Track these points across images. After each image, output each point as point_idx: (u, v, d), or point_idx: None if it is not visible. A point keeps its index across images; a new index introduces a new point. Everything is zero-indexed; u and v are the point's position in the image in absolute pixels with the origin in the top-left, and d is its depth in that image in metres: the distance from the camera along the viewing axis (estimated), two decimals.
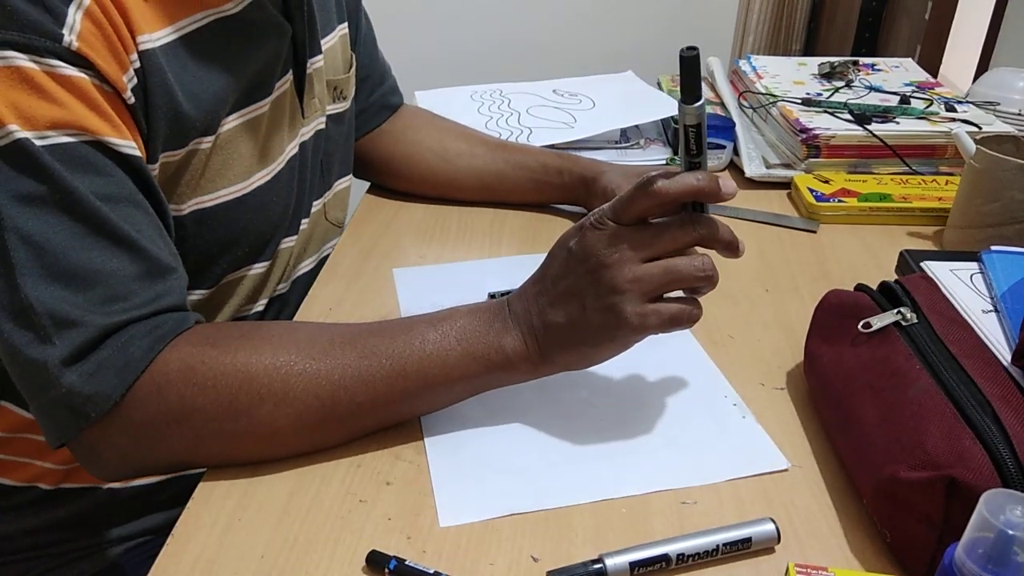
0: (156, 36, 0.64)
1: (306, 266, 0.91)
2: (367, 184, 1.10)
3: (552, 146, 1.16)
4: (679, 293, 0.63)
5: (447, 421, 0.67)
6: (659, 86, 1.39)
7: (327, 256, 0.94)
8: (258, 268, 0.80)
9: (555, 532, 0.57)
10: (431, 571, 0.53)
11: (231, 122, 0.72)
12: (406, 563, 0.53)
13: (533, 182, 1.00)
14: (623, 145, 1.20)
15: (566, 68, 1.61)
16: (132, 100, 0.62)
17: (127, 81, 0.62)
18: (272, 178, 0.77)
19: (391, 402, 0.63)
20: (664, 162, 1.15)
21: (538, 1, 2.52)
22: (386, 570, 0.53)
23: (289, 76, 0.79)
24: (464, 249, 0.95)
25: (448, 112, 1.14)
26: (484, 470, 0.63)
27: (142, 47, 0.63)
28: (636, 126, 1.24)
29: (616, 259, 0.60)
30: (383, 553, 0.54)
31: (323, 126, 0.86)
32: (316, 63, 0.83)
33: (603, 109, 1.27)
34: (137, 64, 0.63)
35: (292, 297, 0.89)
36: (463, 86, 1.37)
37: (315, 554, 0.55)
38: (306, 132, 0.83)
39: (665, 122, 1.25)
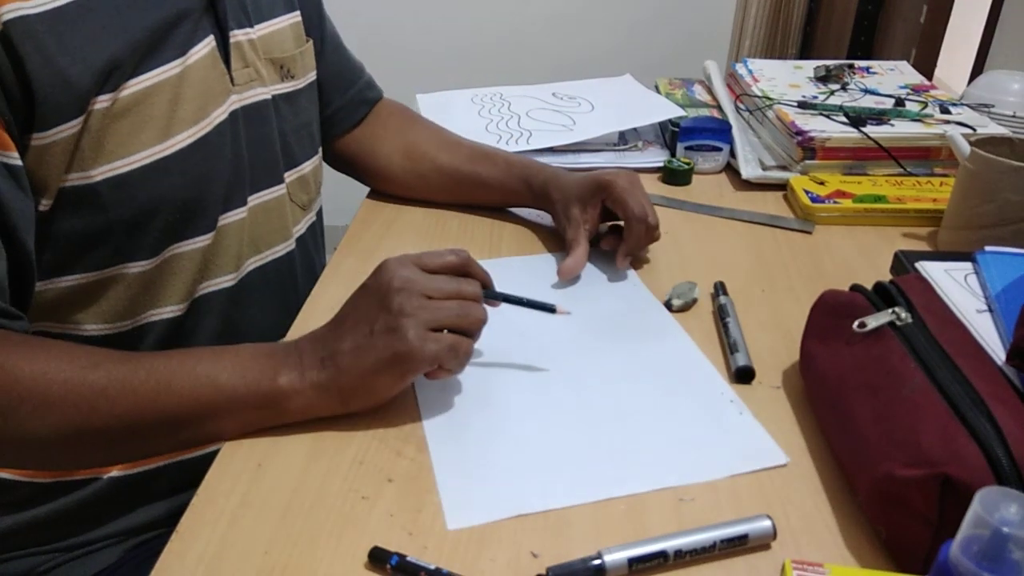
0: (35, 3, 0.65)
1: (280, 250, 0.91)
2: (366, 187, 1.11)
3: (551, 148, 1.17)
4: None
5: (447, 420, 0.68)
6: (657, 89, 1.39)
7: (300, 236, 0.94)
8: (201, 242, 0.79)
9: (555, 528, 0.58)
10: (432, 567, 0.54)
11: (136, 84, 0.71)
12: (408, 559, 0.54)
13: (496, 196, 1.02)
14: (621, 147, 1.21)
15: (565, 71, 1.61)
16: None
17: None
18: (196, 141, 0.76)
19: (154, 420, 0.63)
20: (662, 164, 1.15)
21: (538, 4, 2.53)
22: (388, 566, 0.54)
23: (209, 41, 0.78)
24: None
25: (448, 114, 1.15)
26: (487, 471, 0.63)
27: (8, 16, 0.63)
28: (634, 129, 1.25)
29: (405, 288, 0.65)
30: (385, 549, 0.55)
31: (266, 97, 0.85)
32: (247, 34, 0.83)
33: (602, 112, 1.27)
34: None
35: (281, 266, 0.89)
36: (463, 89, 1.37)
37: (318, 550, 0.56)
38: (238, 101, 0.82)
39: (663, 125, 1.26)
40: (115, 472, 0.79)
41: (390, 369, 0.64)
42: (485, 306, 0.69)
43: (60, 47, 0.66)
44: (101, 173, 0.71)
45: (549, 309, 0.73)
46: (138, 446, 0.67)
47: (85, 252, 0.73)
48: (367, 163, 1.06)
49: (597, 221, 0.91)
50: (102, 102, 0.69)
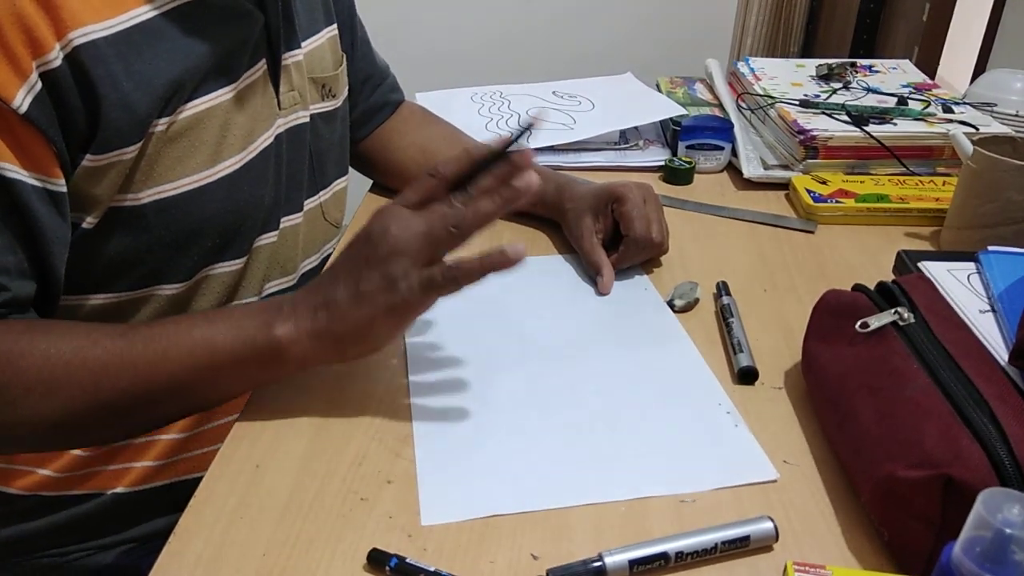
0: (103, 26, 0.64)
1: (308, 265, 0.92)
2: (368, 183, 1.11)
3: (552, 147, 1.17)
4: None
5: (437, 418, 0.67)
6: (658, 88, 1.39)
7: (329, 256, 0.94)
8: (234, 265, 0.79)
9: (555, 530, 0.58)
10: (432, 569, 0.53)
11: (192, 108, 0.71)
12: (407, 561, 0.54)
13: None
14: (622, 146, 1.21)
15: (566, 70, 1.61)
16: (24, 110, 0.61)
17: (24, 91, 0.61)
18: (242, 167, 0.76)
19: (158, 388, 0.63)
20: (663, 163, 1.15)
21: (538, 2, 2.53)
22: (387, 568, 0.54)
23: (261, 65, 0.77)
24: (464, 249, 0.95)
25: (448, 113, 1.14)
26: (470, 470, 0.63)
27: (79, 41, 0.63)
28: (635, 127, 1.25)
29: (389, 234, 0.63)
30: (384, 551, 0.54)
31: (305, 120, 0.85)
32: (294, 56, 0.82)
33: (602, 111, 1.27)
34: (56, 63, 0.62)
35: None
36: (463, 88, 1.37)
37: (317, 552, 0.56)
38: (283, 124, 0.82)
39: (664, 123, 1.26)
40: (119, 488, 0.79)
41: (385, 317, 0.63)
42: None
43: (126, 72, 0.66)
44: (148, 196, 0.70)
45: (526, 128, 0.66)
46: (148, 416, 0.67)
47: (123, 272, 0.73)
48: (383, 161, 1.06)
49: (609, 231, 0.90)
50: (160, 125, 0.69)
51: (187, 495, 0.60)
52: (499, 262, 0.63)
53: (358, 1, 1.01)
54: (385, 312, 0.63)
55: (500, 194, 0.64)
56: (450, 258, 0.65)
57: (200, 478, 0.62)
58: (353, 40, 0.99)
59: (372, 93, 1.04)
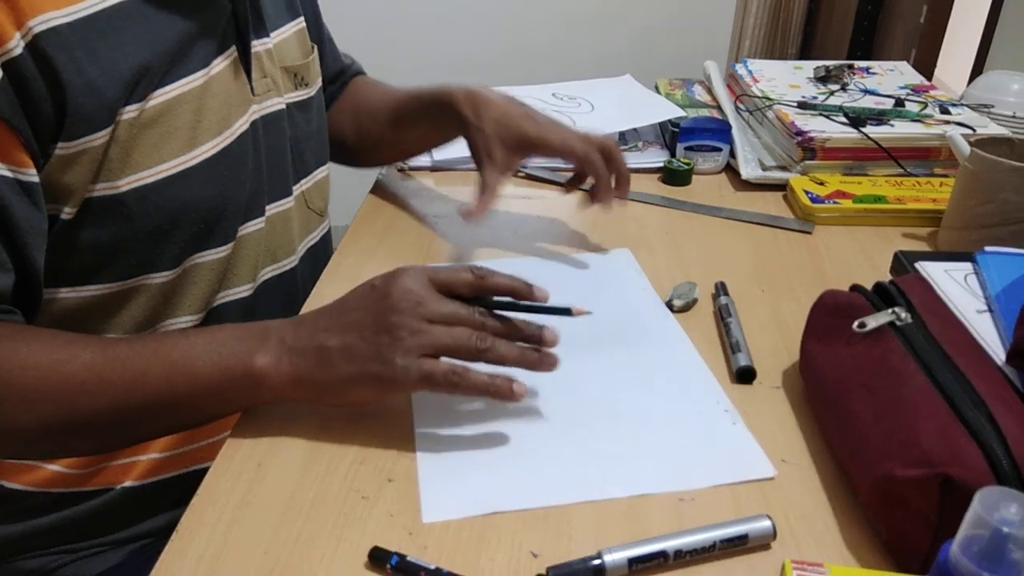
0: (64, 12, 0.64)
1: (301, 249, 0.92)
2: (369, 183, 1.11)
3: None
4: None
5: (439, 418, 0.68)
6: (657, 89, 1.39)
7: (313, 245, 0.95)
8: (220, 253, 0.79)
9: (555, 528, 0.58)
10: (432, 567, 0.54)
11: (162, 95, 0.71)
12: (408, 559, 0.54)
13: (420, 122, 1.02)
14: (622, 148, 1.21)
15: (565, 71, 1.61)
16: None
17: None
18: (220, 152, 0.76)
19: (135, 410, 0.63)
20: (662, 164, 1.15)
21: (537, 4, 2.53)
22: (388, 566, 0.54)
23: (232, 52, 0.78)
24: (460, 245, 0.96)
25: None
26: (471, 468, 0.63)
27: (39, 28, 0.62)
28: (634, 129, 1.25)
29: (408, 308, 0.62)
30: (385, 549, 0.55)
31: (281, 108, 0.86)
32: (264, 44, 0.83)
33: (602, 112, 1.27)
34: (17, 51, 0.61)
35: (295, 276, 0.89)
36: None
37: (318, 550, 0.56)
38: (257, 111, 0.82)
39: (663, 125, 1.26)
40: (128, 482, 0.80)
41: (370, 385, 0.63)
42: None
43: (91, 57, 0.65)
44: (128, 183, 0.70)
45: (565, 312, 0.68)
46: (124, 434, 0.67)
47: (109, 262, 0.73)
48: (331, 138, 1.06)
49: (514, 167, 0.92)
50: (130, 112, 0.69)
51: (193, 488, 0.60)
52: (504, 392, 0.63)
53: (364, 5, 1.01)
54: (371, 379, 0.62)
55: (525, 356, 0.64)
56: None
57: (204, 469, 0.62)
58: (320, 36, 1.00)
59: (334, 81, 1.07)
